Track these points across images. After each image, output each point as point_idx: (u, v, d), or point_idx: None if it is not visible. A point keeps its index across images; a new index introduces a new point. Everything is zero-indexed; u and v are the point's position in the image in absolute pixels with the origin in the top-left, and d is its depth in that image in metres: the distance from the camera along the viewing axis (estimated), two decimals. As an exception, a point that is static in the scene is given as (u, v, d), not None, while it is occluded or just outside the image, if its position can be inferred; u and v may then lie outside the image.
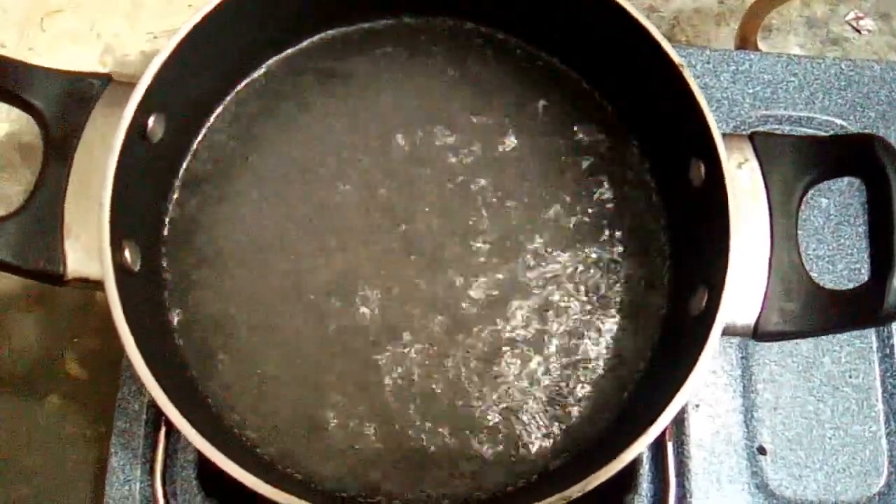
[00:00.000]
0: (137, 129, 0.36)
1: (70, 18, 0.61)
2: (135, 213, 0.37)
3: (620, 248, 0.43)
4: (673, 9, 0.64)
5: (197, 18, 0.36)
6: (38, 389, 0.50)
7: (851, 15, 0.64)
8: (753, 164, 0.37)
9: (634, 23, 0.38)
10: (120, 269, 0.34)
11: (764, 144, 0.38)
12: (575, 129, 0.45)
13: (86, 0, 0.62)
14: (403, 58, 0.46)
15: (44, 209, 0.35)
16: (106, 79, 0.37)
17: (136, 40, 0.61)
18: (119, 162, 0.34)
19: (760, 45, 0.61)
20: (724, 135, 0.37)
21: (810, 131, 0.52)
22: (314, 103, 0.45)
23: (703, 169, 0.38)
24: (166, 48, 0.36)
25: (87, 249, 0.34)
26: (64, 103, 0.36)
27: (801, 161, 0.37)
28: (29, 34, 0.61)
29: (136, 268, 0.37)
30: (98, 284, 0.34)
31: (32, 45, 0.60)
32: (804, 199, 0.38)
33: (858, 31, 0.64)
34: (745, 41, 0.58)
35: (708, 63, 0.53)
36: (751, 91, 0.52)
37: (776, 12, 0.59)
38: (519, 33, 0.46)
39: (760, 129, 0.52)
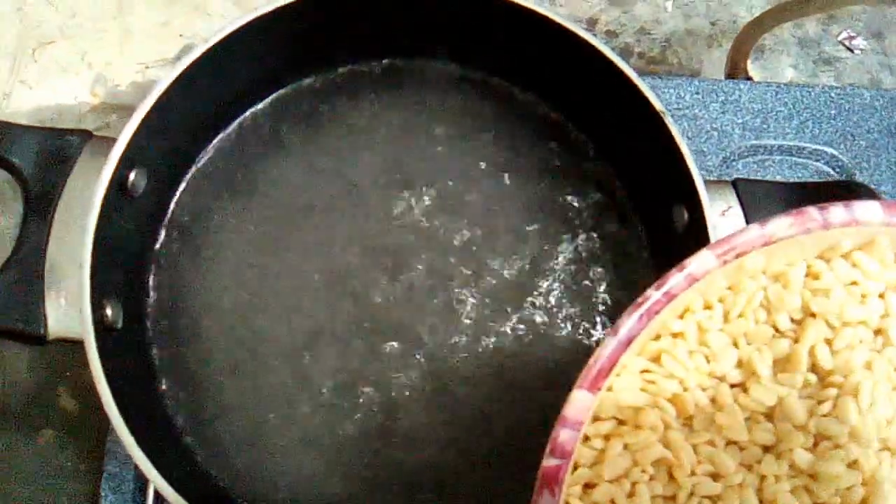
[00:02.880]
0: (118, 185, 0.36)
1: (61, 49, 0.61)
2: (117, 269, 0.37)
3: (606, 296, 0.43)
4: (665, 31, 0.64)
5: (175, 73, 0.36)
6: (33, 423, 0.50)
7: (844, 34, 0.64)
8: (736, 210, 0.37)
9: (616, 69, 0.38)
10: (101, 327, 0.34)
11: (747, 191, 0.37)
12: (561, 169, 0.45)
13: (77, 31, 0.62)
14: (387, 100, 0.45)
15: (24, 269, 0.35)
16: (86, 135, 0.37)
17: (128, 70, 0.61)
18: (99, 219, 0.34)
19: (753, 67, 0.60)
20: (706, 181, 0.37)
21: (801, 161, 0.52)
22: (297, 148, 0.45)
23: (686, 215, 0.38)
24: (145, 103, 0.36)
25: (68, 309, 0.34)
26: (43, 161, 0.36)
27: (785, 208, 0.36)
28: (20, 65, 0.61)
29: (119, 324, 0.37)
30: (80, 343, 0.34)
31: (24, 77, 0.61)
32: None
33: (851, 51, 0.64)
34: (735, 67, 0.58)
35: (697, 93, 0.52)
36: (740, 121, 0.52)
37: (769, 33, 0.59)
38: (504, 75, 0.46)
39: (750, 159, 0.52)
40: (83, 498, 0.48)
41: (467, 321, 0.42)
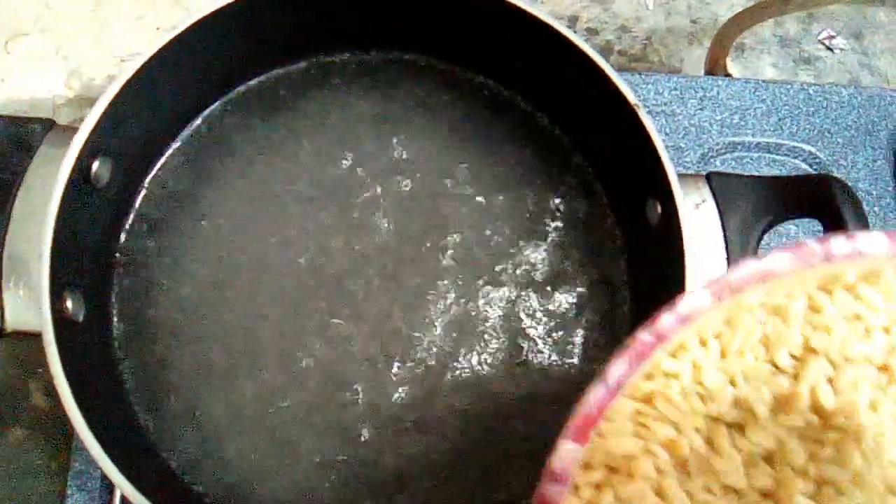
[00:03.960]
0: (81, 174, 0.35)
1: (36, 41, 0.61)
2: (79, 261, 0.36)
3: (581, 289, 0.43)
4: (645, 29, 0.64)
5: (142, 61, 0.36)
6: (3, 420, 0.50)
7: (824, 34, 0.64)
8: (710, 204, 0.37)
9: (591, 62, 0.38)
10: (61, 319, 0.33)
11: (721, 185, 0.37)
12: (535, 163, 0.45)
13: (52, 23, 0.61)
14: (359, 92, 0.45)
15: (-18, 260, 0.34)
16: (49, 123, 0.36)
17: (103, 63, 0.60)
18: (60, 209, 0.33)
19: (734, 65, 0.60)
20: (680, 175, 0.36)
21: (779, 158, 0.51)
22: (267, 139, 0.44)
23: (659, 209, 0.38)
24: (109, 91, 0.35)
25: (27, 301, 0.33)
26: (3, 149, 0.35)
27: (759, 202, 0.37)
28: (-7, 57, 0.60)
29: (80, 317, 0.36)
30: (39, 336, 0.33)
31: (-4, 69, 0.60)
32: (762, 241, 0.37)
33: (831, 50, 0.64)
34: (715, 64, 0.58)
35: (675, 90, 0.52)
36: (718, 118, 0.52)
37: (749, 31, 0.59)
38: (482, 71, 0.45)
39: (728, 156, 0.51)
40: (53, 495, 0.48)
41: (440, 334, 0.42)
